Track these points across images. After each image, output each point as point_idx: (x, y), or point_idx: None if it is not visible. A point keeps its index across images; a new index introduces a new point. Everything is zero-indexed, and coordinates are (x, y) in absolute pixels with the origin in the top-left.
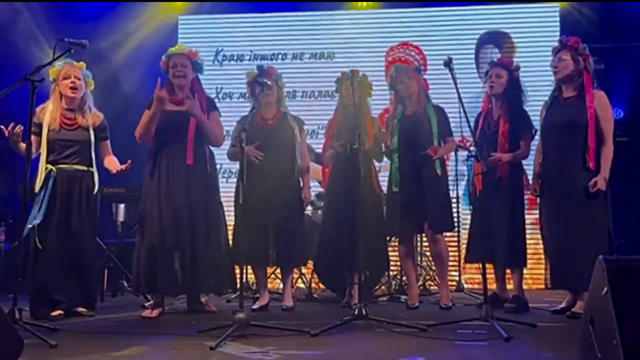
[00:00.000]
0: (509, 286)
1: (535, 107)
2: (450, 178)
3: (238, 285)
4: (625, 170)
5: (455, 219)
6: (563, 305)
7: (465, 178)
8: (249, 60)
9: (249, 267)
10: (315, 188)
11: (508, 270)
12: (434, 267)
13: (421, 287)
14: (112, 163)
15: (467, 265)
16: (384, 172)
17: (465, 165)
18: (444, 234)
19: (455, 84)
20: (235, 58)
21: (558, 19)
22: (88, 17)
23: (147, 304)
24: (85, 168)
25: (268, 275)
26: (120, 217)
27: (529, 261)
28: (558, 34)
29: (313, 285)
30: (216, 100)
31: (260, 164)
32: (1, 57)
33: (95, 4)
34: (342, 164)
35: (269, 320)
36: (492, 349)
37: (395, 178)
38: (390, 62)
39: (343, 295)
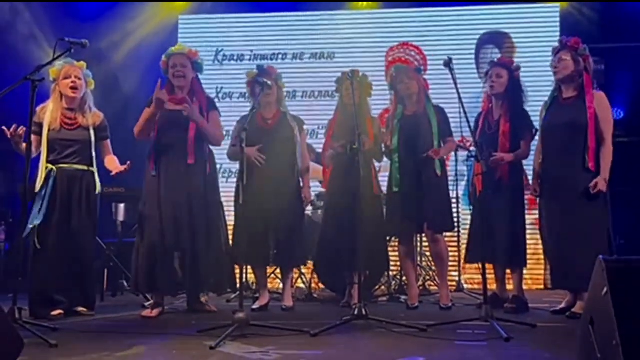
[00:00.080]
0: (509, 286)
1: (535, 107)
2: (450, 178)
3: (238, 285)
4: (625, 170)
5: (455, 219)
6: (563, 305)
7: (465, 178)
8: (249, 60)
9: (248, 267)
10: (315, 188)
11: (508, 271)
12: (433, 267)
13: (421, 287)
14: (113, 163)
15: (467, 266)
16: (384, 172)
17: (465, 165)
18: (444, 234)
19: (456, 84)
20: (235, 58)
21: (558, 19)
22: (88, 16)
23: (147, 304)
24: (85, 168)
25: (268, 275)
26: (120, 217)
27: (529, 261)
28: (558, 34)
29: (313, 285)
30: (216, 100)
31: (260, 163)
32: (1, 57)
33: (95, 3)
34: (342, 164)
35: (269, 320)
36: (492, 349)
37: (396, 178)
38: (390, 62)
39: (343, 295)
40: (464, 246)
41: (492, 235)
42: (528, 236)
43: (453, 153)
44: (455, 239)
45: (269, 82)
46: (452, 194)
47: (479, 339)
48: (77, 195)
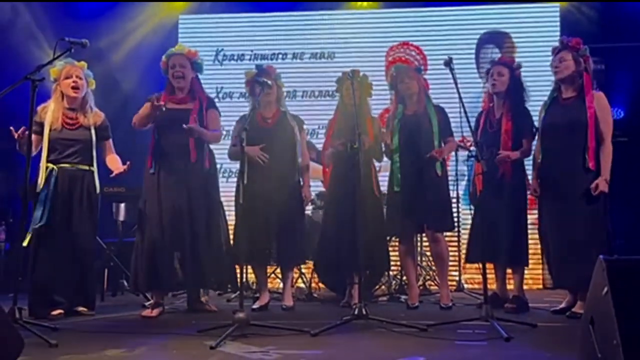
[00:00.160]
0: (509, 286)
1: (535, 106)
2: (450, 178)
3: (238, 284)
4: (625, 170)
5: (455, 219)
6: (563, 305)
7: (466, 178)
8: (249, 59)
9: (249, 266)
10: (315, 187)
11: (509, 270)
12: (434, 267)
13: (421, 287)
14: (114, 163)
15: (467, 265)
16: (384, 172)
17: (466, 165)
18: (444, 233)
19: (456, 83)
20: (235, 58)
21: (558, 19)
22: (88, 16)
23: (147, 304)
24: (86, 167)
25: (268, 274)
26: (121, 217)
27: (529, 261)
28: (558, 34)
29: (313, 285)
30: (216, 99)
31: (260, 163)
32: (1, 57)
33: (95, 3)
34: (342, 164)
35: (269, 319)
36: (492, 349)
37: (396, 178)
38: (390, 62)
39: (343, 295)
40: (464, 246)
41: (493, 235)
42: (529, 236)
43: (453, 153)
44: (456, 238)
45: (269, 82)
46: (452, 194)
47: (479, 339)
48: (77, 195)
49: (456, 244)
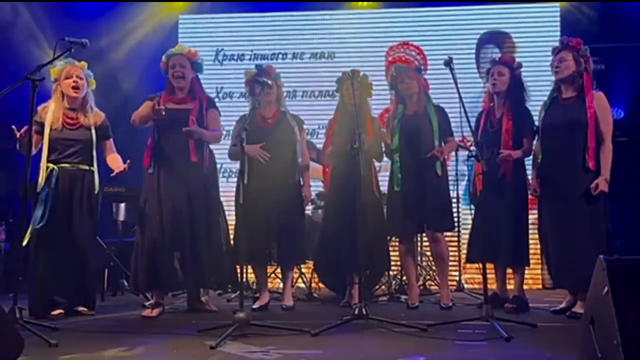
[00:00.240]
0: (509, 286)
1: (535, 106)
2: (450, 178)
3: (239, 283)
4: (625, 170)
5: (456, 219)
6: (563, 305)
7: (466, 178)
8: (249, 59)
9: (249, 266)
10: (316, 187)
11: (509, 270)
12: (434, 267)
13: (421, 287)
14: (115, 162)
15: (468, 265)
16: (384, 172)
17: (466, 165)
18: (444, 233)
19: (456, 83)
20: (235, 57)
21: (558, 19)
22: (88, 16)
23: (147, 304)
24: (87, 167)
25: (268, 274)
26: (121, 217)
27: (530, 261)
28: (558, 34)
29: (313, 284)
30: (216, 99)
31: (260, 163)
32: (1, 57)
33: (95, 3)
34: (342, 164)
35: (269, 319)
36: (493, 349)
37: (397, 177)
38: (390, 62)
39: (343, 295)
40: (464, 246)
41: (494, 235)
42: (529, 235)
43: (453, 153)
44: (456, 238)
45: (269, 82)
46: (453, 194)
47: (480, 339)
48: (78, 194)
49: (456, 244)
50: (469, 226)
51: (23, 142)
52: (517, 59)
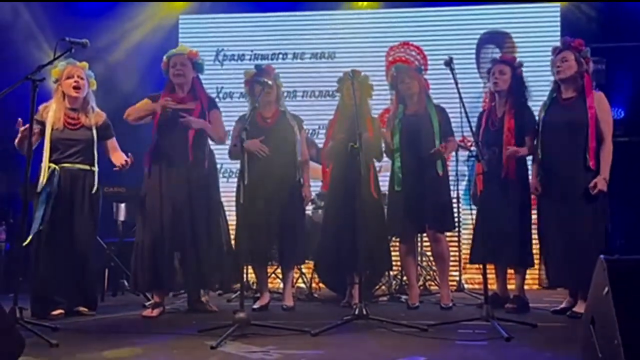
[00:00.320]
0: (510, 286)
1: (535, 106)
2: (450, 178)
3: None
4: (626, 170)
5: (456, 219)
6: (563, 305)
7: (466, 178)
8: (250, 59)
9: (249, 266)
10: (316, 187)
11: (510, 270)
12: (434, 267)
13: (422, 287)
14: (119, 159)
15: (468, 265)
16: (384, 172)
17: (466, 165)
18: (445, 233)
19: (456, 83)
20: (235, 58)
21: (559, 18)
22: (88, 16)
23: (147, 304)
24: (87, 167)
25: (269, 275)
26: (121, 217)
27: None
28: (559, 34)
29: (313, 284)
30: (217, 99)
31: (260, 162)
32: (1, 57)
33: (95, 3)
34: (342, 164)
35: (270, 319)
36: (493, 349)
37: (397, 177)
38: (390, 62)
39: (343, 295)
40: (465, 246)
41: (498, 235)
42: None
43: (454, 153)
44: (456, 238)
45: (269, 82)
46: (453, 194)
47: (480, 339)
48: (79, 194)
49: (456, 243)
50: (469, 226)
51: (22, 135)
52: (518, 59)
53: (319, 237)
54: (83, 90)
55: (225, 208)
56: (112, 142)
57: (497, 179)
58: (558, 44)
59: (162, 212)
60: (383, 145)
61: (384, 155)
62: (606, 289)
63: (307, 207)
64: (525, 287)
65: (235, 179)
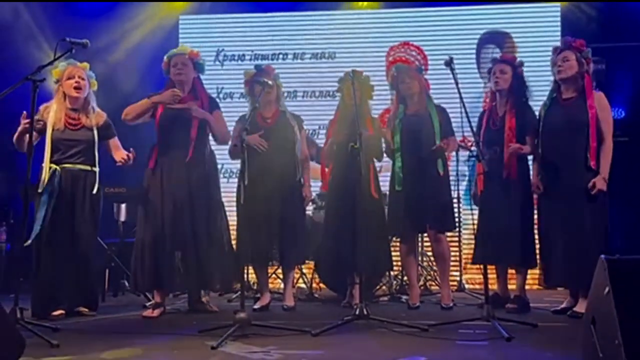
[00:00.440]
0: (510, 286)
1: (536, 106)
2: (451, 178)
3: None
4: (626, 170)
5: (457, 219)
6: (564, 305)
7: (467, 178)
8: (250, 60)
9: (250, 266)
10: (316, 187)
11: (511, 270)
12: (435, 267)
13: (422, 287)
14: (121, 155)
15: (469, 265)
16: (385, 172)
17: (466, 165)
18: (446, 233)
19: (457, 83)
20: (236, 58)
21: (559, 18)
22: (88, 16)
23: (148, 304)
24: (88, 168)
25: (269, 275)
26: (122, 217)
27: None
28: (559, 33)
29: (314, 285)
30: (217, 100)
31: (260, 162)
32: (1, 57)
33: (95, 3)
34: (342, 164)
35: (270, 320)
36: (494, 349)
37: (398, 177)
38: (391, 62)
39: (344, 295)
40: (465, 246)
41: (500, 235)
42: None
43: (454, 153)
44: (456, 238)
45: (269, 82)
46: (453, 194)
47: (480, 339)
48: (80, 195)
49: (457, 243)
50: (470, 226)
51: (23, 129)
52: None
53: (319, 237)
54: (84, 91)
55: (226, 208)
56: (115, 141)
57: (499, 178)
58: (558, 44)
59: (163, 210)
60: (383, 145)
61: (384, 155)
62: (607, 288)
63: (308, 207)
64: (526, 287)
65: (236, 179)
